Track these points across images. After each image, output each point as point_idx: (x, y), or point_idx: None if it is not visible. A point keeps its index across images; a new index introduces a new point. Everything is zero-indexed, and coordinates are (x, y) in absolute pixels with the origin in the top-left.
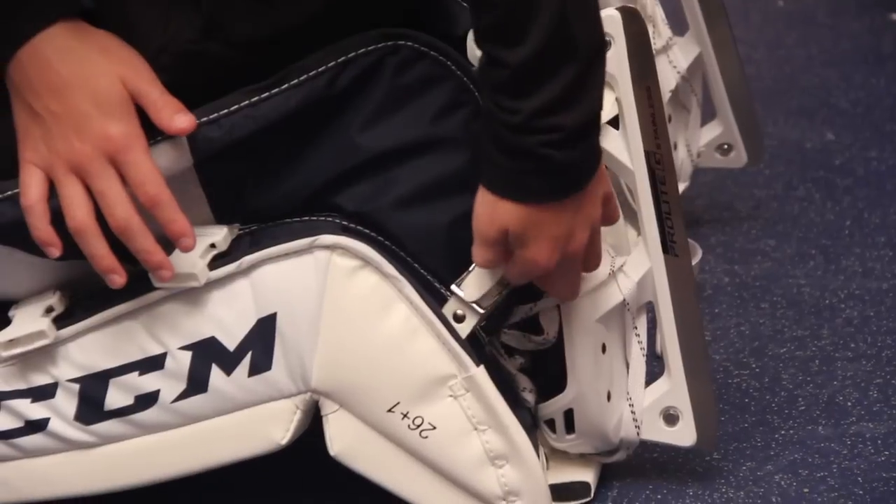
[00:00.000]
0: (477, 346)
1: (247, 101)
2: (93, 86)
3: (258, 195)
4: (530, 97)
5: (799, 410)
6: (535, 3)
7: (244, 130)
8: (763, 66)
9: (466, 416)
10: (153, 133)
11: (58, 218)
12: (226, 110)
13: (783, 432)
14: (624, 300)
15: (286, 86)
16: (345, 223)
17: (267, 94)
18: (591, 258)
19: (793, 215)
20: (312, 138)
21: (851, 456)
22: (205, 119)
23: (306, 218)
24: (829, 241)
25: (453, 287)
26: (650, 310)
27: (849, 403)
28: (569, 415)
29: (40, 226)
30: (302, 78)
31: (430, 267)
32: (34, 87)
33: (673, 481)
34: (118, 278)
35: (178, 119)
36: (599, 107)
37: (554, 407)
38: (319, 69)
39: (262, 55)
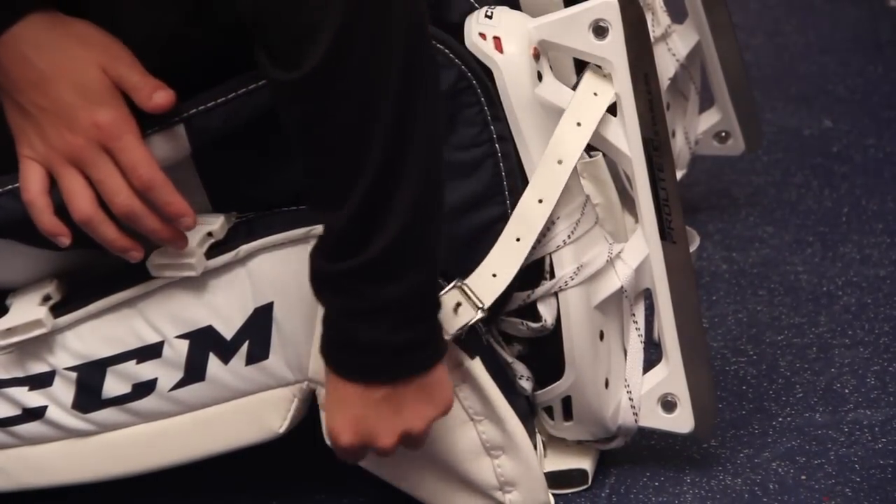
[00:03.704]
0: (473, 336)
1: (244, 89)
2: (74, 76)
3: (255, 183)
4: (344, 260)
5: (796, 398)
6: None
7: (242, 118)
8: (761, 53)
9: (462, 407)
10: (149, 122)
11: (61, 209)
12: (223, 98)
13: (780, 419)
14: (622, 287)
15: None
16: None
17: (263, 80)
18: (409, 446)
19: (790, 202)
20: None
21: (849, 443)
22: (202, 107)
23: (303, 207)
24: (826, 229)
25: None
26: (648, 297)
27: (846, 390)
28: (566, 402)
29: (44, 218)
30: None
31: None
32: (17, 84)
33: (670, 468)
34: (136, 254)
35: (157, 96)
36: (418, 297)
37: (552, 394)
38: None
39: (247, 40)
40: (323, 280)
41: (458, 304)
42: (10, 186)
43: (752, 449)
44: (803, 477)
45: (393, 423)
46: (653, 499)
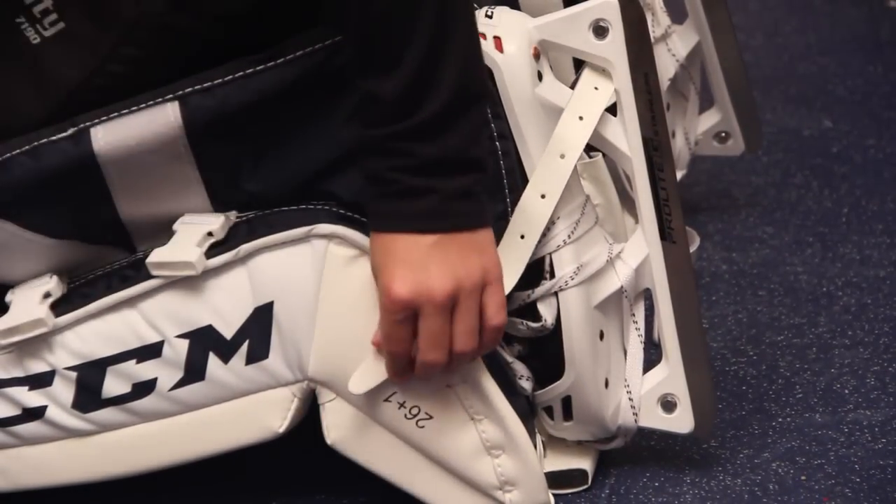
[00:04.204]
0: None
1: (241, 73)
2: None
3: (254, 179)
4: (397, 123)
5: (796, 398)
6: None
7: (237, 101)
8: (761, 53)
9: (463, 406)
10: (143, 98)
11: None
12: (220, 80)
13: (780, 420)
14: (621, 287)
15: (282, 59)
16: (342, 211)
17: (262, 66)
18: (460, 335)
19: (790, 203)
20: (307, 118)
21: (848, 443)
22: (198, 87)
23: (303, 206)
24: (826, 229)
25: None
26: (648, 298)
27: (846, 391)
28: (566, 402)
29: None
30: (298, 53)
31: None
32: None
33: (670, 469)
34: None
35: None
36: (467, 151)
37: (552, 394)
38: (316, 46)
39: (235, 29)
40: (371, 147)
41: None
42: (36, 143)
43: (752, 449)
44: (803, 477)
45: (446, 267)
46: (653, 499)
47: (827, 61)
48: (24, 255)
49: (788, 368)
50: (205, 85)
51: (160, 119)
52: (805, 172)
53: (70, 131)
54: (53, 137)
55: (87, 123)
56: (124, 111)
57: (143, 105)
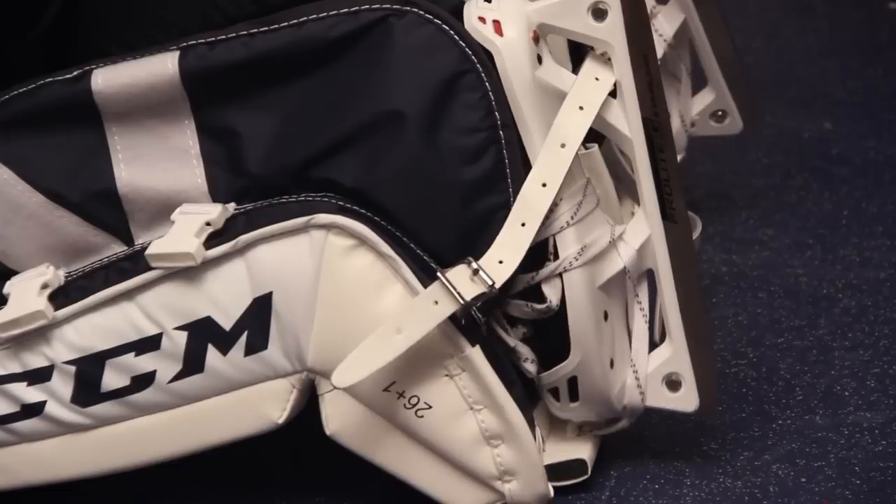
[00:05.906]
0: (472, 325)
1: (245, 32)
2: None
3: (252, 160)
4: None
5: (796, 400)
6: None
7: (235, 56)
8: (761, 55)
9: (462, 396)
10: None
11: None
12: (223, 36)
13: (781, 422)
14: (624, 268)
15: (286, 23)
16: (341, 203)
17: (266, 28)
18: None
19: (790, 205)
20: (307, 92)
21: (849, 446)
22: (202, 41)
23: (302, 197)
24: (826, 231)
25: (439, 273)
26: (651, 285)
27: (846, 393)
28: (573, 382)
29: None
30: (301, 19)
31: (426, 245)
32: None
33: (671, 471)
34: None
35: None
36: None
37: (558, 375)
38: (320, 14)
39: None
40: None
41: (475, 272)
42: (39, 83)
43: (752, 451)
44: (803, 479)
45: None
46: (653, 501)
47: (827, 63)
48: (16, 217)
49: (789, 370)
50: (208, 39)
51: (159, 65)
52: (805, 174)
53: (74, 73)
54: (58, 78)
55: (91, 66)
56: (128, 58)
57: (147, 53)
